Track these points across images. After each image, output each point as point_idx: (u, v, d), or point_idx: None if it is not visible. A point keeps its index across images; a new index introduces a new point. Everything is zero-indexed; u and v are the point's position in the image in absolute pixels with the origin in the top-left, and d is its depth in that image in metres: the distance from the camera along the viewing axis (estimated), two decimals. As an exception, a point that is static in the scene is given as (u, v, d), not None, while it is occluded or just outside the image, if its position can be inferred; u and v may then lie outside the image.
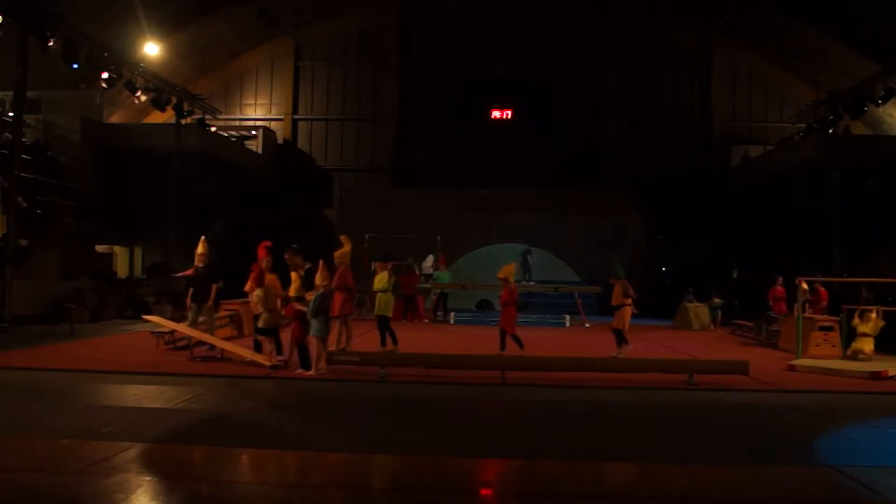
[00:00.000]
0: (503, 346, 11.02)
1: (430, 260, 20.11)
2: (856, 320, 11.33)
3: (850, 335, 11.45)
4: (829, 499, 4.91)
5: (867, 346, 11.03)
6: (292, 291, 9.64)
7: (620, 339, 11.17)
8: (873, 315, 11.24)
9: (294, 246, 9.95)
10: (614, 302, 11.19)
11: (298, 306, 9.35)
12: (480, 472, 5.52)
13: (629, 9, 28.19)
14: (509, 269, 11.19)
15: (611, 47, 28.48)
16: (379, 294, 11.39)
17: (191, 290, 11.40)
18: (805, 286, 11.94)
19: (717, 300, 18.39)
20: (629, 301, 11.12)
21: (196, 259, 11.38)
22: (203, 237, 11.76)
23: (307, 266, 9.79)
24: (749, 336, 15.49)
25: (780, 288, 15.00)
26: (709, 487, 5.08)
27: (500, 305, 11.27)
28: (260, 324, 10.15)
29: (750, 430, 6.92)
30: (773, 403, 8.22)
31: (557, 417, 7.43)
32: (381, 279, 11.48)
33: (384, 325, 11.27)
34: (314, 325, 9.20)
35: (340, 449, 5.90)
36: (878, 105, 20.07)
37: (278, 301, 10.09)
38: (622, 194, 25.32)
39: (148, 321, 12.44)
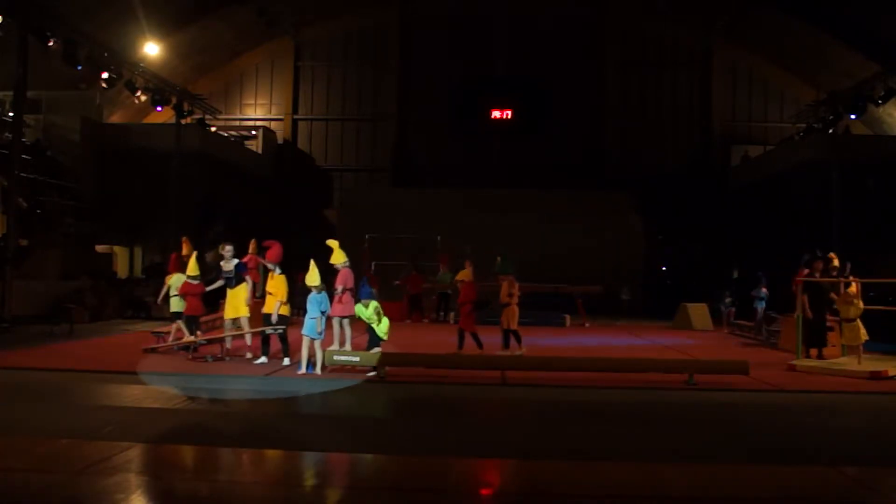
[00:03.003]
0: (461, 345, 11.07)
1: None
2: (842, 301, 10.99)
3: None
4: (829, 499, 4.91)
5: (853, 334, 10.60)
6: (189, 271, 10.60)
7: (517, 337, 11.17)
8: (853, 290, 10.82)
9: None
10: (501, 300, 11.23)
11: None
12: (480, 472, 5.52)
13: (629, 9, 28.19)
14: (466, 272, 11.37)
15: (611, 47, 28.49)
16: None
17: None
18: (835, 257, 11.63)
19: (764, 290, 16.38)
20: (514, 300, 11.14)
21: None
22: (185, 238, 11.79)
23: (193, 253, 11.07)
24: (749, 336, 15.49)
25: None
26: (709, 487, 5.07)
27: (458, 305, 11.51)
28: (171, 308, 11.21)
29: (750, 429, 6.91)
30: (773, 403, 8.22)
31: (557, 417, 7.43)
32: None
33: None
34: (306, 325, 9.20)
35: (340, 449, 5.90)
36: (878, 105, 20.07)
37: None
38: (622, 194, 25.30)
39: (148, 322, 12.48)
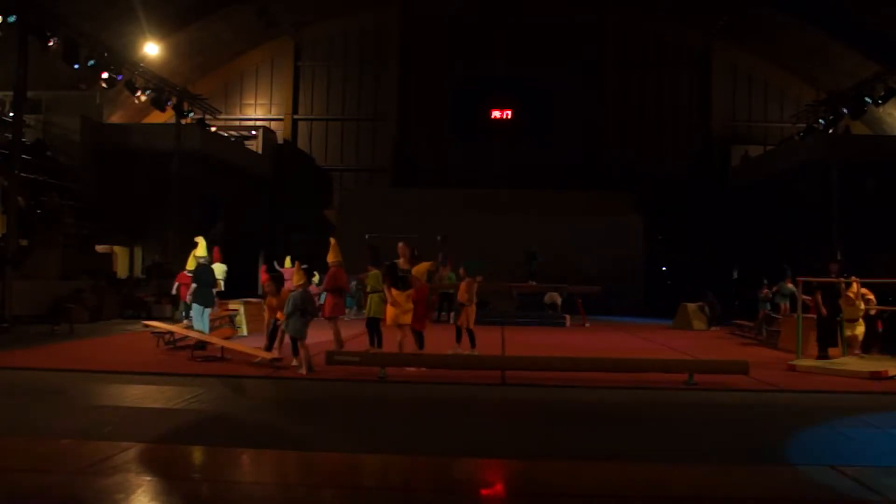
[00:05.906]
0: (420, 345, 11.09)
1: None
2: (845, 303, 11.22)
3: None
4: (828, 499, 4.91)
5: (857, 330, 11.06)
6: (188, 266, 11.97)
7: (471, 337, 11.25)
8: (854, 290, 11.07)
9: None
10: (459, 300, 11.52)
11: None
12: (480, 472, 5.52)
13: (629, 9, 28.21)
14: (420, 269, 11.36)
15: (611, 47, 28.50)
16: (371, 295, 11.20)
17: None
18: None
19: (790, 285, 15.78)
20: (472, 301, 11.29)
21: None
22: (202, 238, 11.85)
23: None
24: (749, 336, 15.48)
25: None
26: (709, 487, 5.07)
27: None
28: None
29: (750, 430, 6.92)
30: (773, 403, 8.21)
31: (557, 417, 7.42)
32: (374, 280, 11.28)
33: (374, 326, 11.17)
34: (290, 324, 9.19)
35: (340, 449, 5.90)
36: (878, 105, 20.07)
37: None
38: (622, 194, 25.33)
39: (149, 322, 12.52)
